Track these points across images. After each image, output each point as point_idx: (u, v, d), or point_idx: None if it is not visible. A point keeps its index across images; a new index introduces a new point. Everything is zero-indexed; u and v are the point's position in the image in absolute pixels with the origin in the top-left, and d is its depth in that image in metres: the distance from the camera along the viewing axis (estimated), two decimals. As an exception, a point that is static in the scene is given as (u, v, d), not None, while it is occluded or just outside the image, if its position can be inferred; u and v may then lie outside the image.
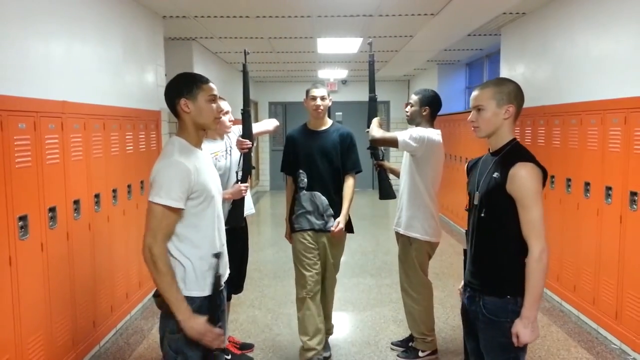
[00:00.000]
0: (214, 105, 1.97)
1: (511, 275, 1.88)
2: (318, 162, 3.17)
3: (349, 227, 3.29)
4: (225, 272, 2.10)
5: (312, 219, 3.18)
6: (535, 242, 1.80)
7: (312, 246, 3.20)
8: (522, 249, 1.87)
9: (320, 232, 3.20)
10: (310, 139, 3.22)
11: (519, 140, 1.97)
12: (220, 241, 2.04)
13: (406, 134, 3.08)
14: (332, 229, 3.12)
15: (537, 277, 1.80)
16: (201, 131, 2.00)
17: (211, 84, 1.99)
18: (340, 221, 3.15)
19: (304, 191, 3.20)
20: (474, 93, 1.98)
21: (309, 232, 3.20)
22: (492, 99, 1.91)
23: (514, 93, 1.92)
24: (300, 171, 3.20)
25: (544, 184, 1.87)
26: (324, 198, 3.17)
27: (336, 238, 3.20)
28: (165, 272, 1.82)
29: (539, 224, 1.80)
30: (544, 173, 1.86)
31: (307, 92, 3.23)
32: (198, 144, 2.01)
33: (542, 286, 1.81)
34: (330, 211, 3.18)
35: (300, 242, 3.21)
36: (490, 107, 1.91)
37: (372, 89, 3.33)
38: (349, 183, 3.24)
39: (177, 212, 1.85)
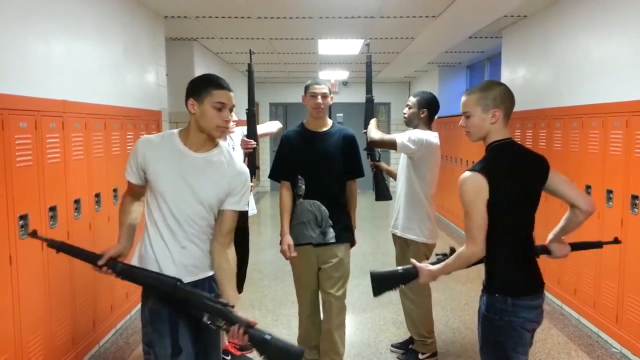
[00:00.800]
0: (220, 112, 1.93)
1: (500, 274, 1.94)
2: (319, 167, 2.87)
3: (351, 239, 3.06)
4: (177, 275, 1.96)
5: (309, 231, 2.89)
6: (468, 245, 1.92)
7: (310, 262, 2.94)
8: (509, 250, 1.94)
9: (318, 246, 2.91)
10: (310, 141, 2.91)
11: (512, 140, 1.96)
12: (177, 243, 1.97)
13: (404, 137, 3.08)
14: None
15: (456, 264, 1.97)
16: (202, 134, 1.97)
17: (225, 92, 1.94)
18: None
19: (301, 200, 2.89)
20: (462, 99, 2.01)
21: (307, 247, 2.92)
22: (477, 105, 1.94)
23: (500, 97, 1.93)
24: (299, 177, 2.88)
25: (500, 188, 1.86)
26: (324, 207, 2.87)
27: (340, 251, 2.95)
28: (119, 212, 2.10)
29: (472, 231, 1.89)
30: (491, 179, 1.84)
31: (307, 88, 2.92)
32: (194, 147, 1.97)
33: (455, 269, 2.01)
34: (330, 222, 2.89)
35: (296, 258, 2.94)
36: (477, 113, 1.94)
37: (369, 90, 3.34)
38: (353, 190, 3.04)
39: (128, 182, 2.04)
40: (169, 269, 1.97)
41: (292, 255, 2.90)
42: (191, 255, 2.01)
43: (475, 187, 1.85)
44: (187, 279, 1.97)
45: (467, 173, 1.89)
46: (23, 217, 2.61)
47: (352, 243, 3.05)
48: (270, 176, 2.99)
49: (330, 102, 2.94)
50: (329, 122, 3.00)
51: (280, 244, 2.94)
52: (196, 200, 1.97)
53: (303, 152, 2.89)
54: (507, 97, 1.94)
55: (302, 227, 2.89)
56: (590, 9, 3.96)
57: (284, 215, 2.93)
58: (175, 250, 1.98)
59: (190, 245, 2.00)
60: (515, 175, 1.93)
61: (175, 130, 2.03)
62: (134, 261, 2.04)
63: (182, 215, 1.96)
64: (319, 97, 2.86)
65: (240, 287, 3.36)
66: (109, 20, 3.85)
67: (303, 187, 2.87)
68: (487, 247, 1.96)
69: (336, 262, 2.92)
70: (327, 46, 6.55)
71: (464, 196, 1.88)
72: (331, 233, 2.89)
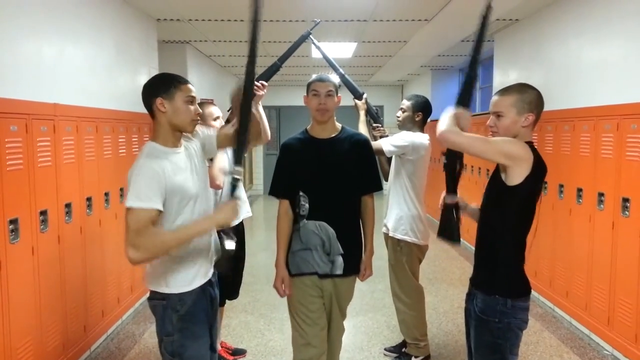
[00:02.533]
0: (191, 106, 1.93)
1: (504, 275, 1.93)
2: (325, 181, 2.38)
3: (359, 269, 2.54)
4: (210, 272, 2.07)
5: (315, 259, 2.39)
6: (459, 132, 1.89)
7: (316, 294, 2.43)
8: (515, 250, 1.93)
9: (325, 278, 2.43)
10: (314, 150, 2.42)
11: (534, 144, 1.95)
12: (210, 241, 2.05)
13: (392, 140, 3.12)
14: (361, 279, 2.52)
15: (455, 128, 1.90)
16: (177, 132, 1.96)
17: (190, 85, 1.96)
18: (367, 265, 2.50)
19: (305, 221, 2.40)
20: (495, 98, 1.96)
21: (311, 278, 2.42)
22: (513, 106, 1.90)
23: (535, 102, 1.91)
24: (301, 194, 2.38)
25: (534, 182, 1.86)
26: (332, 230, 2.38)
27: (347, 284, 2.51)
28: (165, 242, 1.79)
29: (480, 140, 1.86)
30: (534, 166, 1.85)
31: (308, 86, 2.44)
32: (177, 144, 1.97)
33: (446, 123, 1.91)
34: (339, 248, 2.39)
35: (299, 289, 2.43)
36: (510, 115, 1.91)
37: (334, 68, 3.35)
38: (370, 208, 2.50)
39: (151, 212, 1.78)
40: (207, 265, 2.06)
41: (287, 294, 2.45)
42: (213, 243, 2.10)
43: (527, 151, 1.83)
44: (209, 274, 2.06)
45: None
46: (13, 222, 2.58)
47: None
48: (271, 192, 2.48)
49: (339, 102, 2.43)
50: (337, 126, 2.49)
51: (275, 277, 2.46)
52: (207, 183, 2.08)
53: (306, 163, 2.41)
54: (540, 103, 1.93)
55: (307, 254, 2.41)
56: (582, 13, 4.00)
57: (281, 242, 2.44)
58: (206, 242, 2.04)
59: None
60: (542, 177, 1.92)
61: (149, 143, 1.94)
62: (173, 281, 1.93)
63: (208, 206, 2.05)
64: (322, 95, 2.36)
65: (236, 292, 3.35)
66: (101, 23, 3.83)
67: (306, 205, 2.39)
68: (492, 246, 1.95)
69: (342, 297, 2.52)
70: (317, 49, 6.55)
71: (512, 141, 1.86)
72: (339, 262, 2.41)
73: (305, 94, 2.47)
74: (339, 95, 2.43)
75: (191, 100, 1.93)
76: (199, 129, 2.11)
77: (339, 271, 2.41)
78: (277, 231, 2.45)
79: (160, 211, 1.81)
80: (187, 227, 1.84)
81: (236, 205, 1.91)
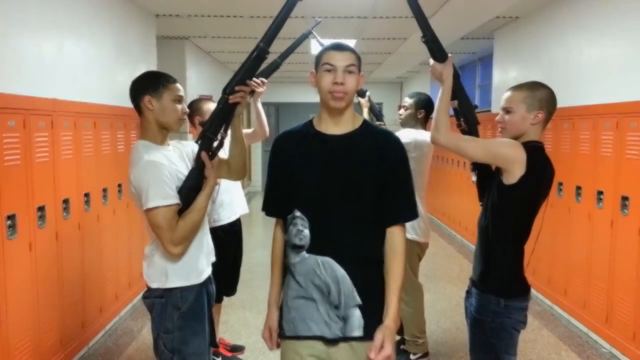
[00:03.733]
0: (178, 106, 1.95)
1: (498, 274, 1.92)
2: (334, 198, 1.62)
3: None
4: (207, 268, 2.07)
5: (320, 313, 1.61)
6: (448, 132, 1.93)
7: None
8: (515, 250, 1.91)
9: (333, 344, 1.62)
10: (320, 151, 1.65)
11: (542, 144, 1.93)
12: (205, 240, 2.05)
13: None
14: (371, 355, 1.55)
15: (443, 112, 1.95)
16: (164, 130, 1.97)
17: (178, 85, 1.97)
18: (387, 336, 1.57)
19: (304, 253, 1.63)
20: (506, 94, 1.97)
21: (311, 344, 1.64)
22: (522, 102, 1.91)
23: (546, 100, 1.91)
24: (297, 214, 1.64)
25: (532, 187, 1.85)
26: (342, 271, 1.59)
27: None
28: (194, 221, 1.85)
29: (468, 139, 1.95)
30: (529, 169, 1.84)
31: (319, 57, 1.65)
32: (164, 143, 1.98)
33: (439, 105, 1.97)
34: (355, 297, 1.60)
35: (290, 355, 1.69)
36: (519, 111, 1.91)
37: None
38: (399, 244, 1.65)
39: (175, 207, 1.83)
40: (205, 261, 2.05)
41: (275, 348, 1.80)
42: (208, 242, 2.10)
43: (518, 151, 1.81)
44: (207, 270, 2.05)
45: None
46: (11, 217, 2.57)
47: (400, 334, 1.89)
48: (263, 208, 1.80)
49: (361, 84, 1.67)
50: (358, 119, 1.70)
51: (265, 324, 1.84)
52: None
53: (307, 169, 1.66)
54: (552, 102, 1.93)
55: (308, 307, 1.64)
56: (581, 10, 3.99)
57: (275, 274, 1.81)
58: (203, 239, 2.04)
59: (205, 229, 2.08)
60: (546, 180, 1.90)
61: (140, 141, 1.94)
62: (173, 275, 1.92)
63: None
64: (340, 71, 1.59)
65: (233, 289, 3.35)
66: (100, 19, 3.81)
67: (305, 231, 1.62)
68: (489, 245, 1.94)
69: None
70: (320, 46, 6.54)
71: (502, 142, 1.86)
72: (357, 319, 1.60)
73: (313, 70, 1.68)
74: (361, 73, 1.67)
75: (179, 99, 1.95)
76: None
77: (358, 332, 1.59)
78: (272, 259, 1.82)
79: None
80: (197, 199, 1.87)
81: (213, 162, 1.89)
